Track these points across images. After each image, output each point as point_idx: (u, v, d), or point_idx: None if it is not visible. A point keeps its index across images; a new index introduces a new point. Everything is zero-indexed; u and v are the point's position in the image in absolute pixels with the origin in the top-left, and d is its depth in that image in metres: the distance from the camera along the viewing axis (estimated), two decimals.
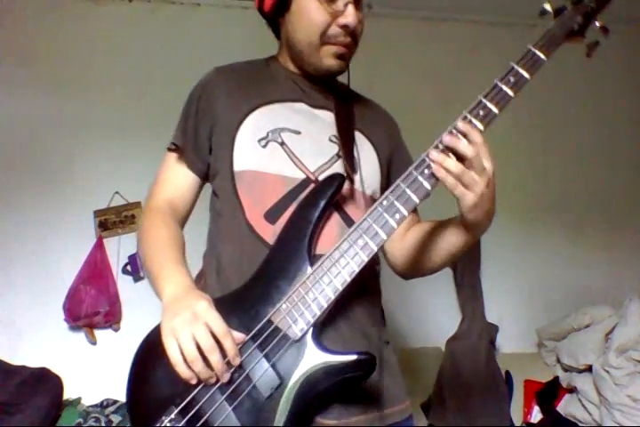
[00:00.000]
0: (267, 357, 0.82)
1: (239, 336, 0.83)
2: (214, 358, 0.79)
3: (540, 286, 2.64)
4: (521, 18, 2.57)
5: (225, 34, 2.59)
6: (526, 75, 0.86)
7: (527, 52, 0.88)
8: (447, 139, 0.83)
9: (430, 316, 2.53)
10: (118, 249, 2.40)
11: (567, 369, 2.25)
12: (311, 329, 0.83)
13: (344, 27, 0.97)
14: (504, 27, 2.72)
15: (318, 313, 0.83)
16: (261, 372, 0.81)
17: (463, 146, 0.82)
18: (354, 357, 0.82)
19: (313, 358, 0.82)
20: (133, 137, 2.46)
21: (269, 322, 0.84)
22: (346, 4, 0.96)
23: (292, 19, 1.01)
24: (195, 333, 0.79)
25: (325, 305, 0.83)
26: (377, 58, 2.36)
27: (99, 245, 2.37)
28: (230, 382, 0.81)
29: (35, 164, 2.41)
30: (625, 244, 2.72)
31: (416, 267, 1.05)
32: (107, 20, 2.55)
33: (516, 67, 0.86)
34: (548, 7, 0.92)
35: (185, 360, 0.78)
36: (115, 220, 2.42)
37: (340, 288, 0.84)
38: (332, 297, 0.84)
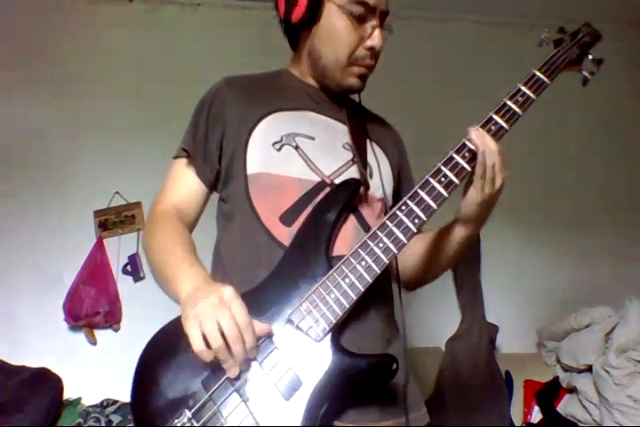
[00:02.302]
0: (287, 358, 0.81)
1: (263, 327, 0.80)
2: (237, 347, 0.75)
3: (540, 286, 2.64)
4: (521, 18, 2.58)
5: (225, 34, 2.59)
6: (533, 95, 0.91)
7: (531, 77, 0.93)
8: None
9: (430, 316, 2.52)
10: (118, 249, 2.40)
11: (567, 369, 2.25)
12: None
13: (370, 49, 1.00)
14: (505, 27, 2.72)
15: (340, 313, 0.82)
16: (282, 373, 0.79)
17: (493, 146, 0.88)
18: (375, 360, 0.82)
19: (334, 360, 0.81)
20: (133, 137, 2.46)
21: (289, 322, 0.83)
22: (374, 27, 1.00)
23: (320, 33, 1.02)
24: (220, 320, 0.75)
25: (347, 306, 0.83)
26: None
27: (99, 246, 2.37)
28: (249, 383, 0.79)
29: (35, 164, 2.41)
30: (625, 244, 2.72)
31: (422, 271, 1.06)
32: (106, 20, 2.54)
33: (522, 88, 0.91)
34: (545, 38, 0.98)
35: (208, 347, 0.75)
36: (115, 220, 2.42)
37: (363, 289, 0.84)
38: (355, 298, 0.83)
